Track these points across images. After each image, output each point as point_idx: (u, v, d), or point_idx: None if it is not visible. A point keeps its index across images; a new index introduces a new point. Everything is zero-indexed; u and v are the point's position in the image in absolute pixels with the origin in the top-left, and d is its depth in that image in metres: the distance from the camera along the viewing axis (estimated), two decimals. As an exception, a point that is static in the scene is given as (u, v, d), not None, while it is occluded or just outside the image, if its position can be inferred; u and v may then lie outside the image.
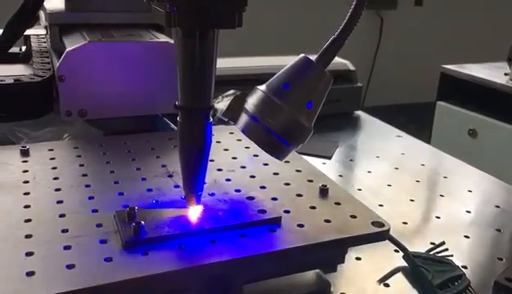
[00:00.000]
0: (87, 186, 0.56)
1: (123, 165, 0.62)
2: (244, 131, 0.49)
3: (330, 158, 0.90)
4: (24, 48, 0.93)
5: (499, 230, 0.68)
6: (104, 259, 0.43)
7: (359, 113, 1.17)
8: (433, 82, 1.89)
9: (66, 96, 0.72)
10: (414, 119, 2.63)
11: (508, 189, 0.82)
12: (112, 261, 0.43)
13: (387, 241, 0.55)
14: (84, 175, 0.59)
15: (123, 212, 0.48)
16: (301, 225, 0.50)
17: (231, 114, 0.90)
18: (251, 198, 0.53)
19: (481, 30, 3.55)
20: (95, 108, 0.73)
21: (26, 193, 0.54)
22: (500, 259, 0.61)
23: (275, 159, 0.50)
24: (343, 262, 0.52)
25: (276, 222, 0.50)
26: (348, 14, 0.47)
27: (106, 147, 0.67)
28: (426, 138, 1.74)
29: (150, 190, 0.56)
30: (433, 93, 1.89)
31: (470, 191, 0.80)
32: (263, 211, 0.51)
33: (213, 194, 0.55)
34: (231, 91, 0.96)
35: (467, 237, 0.66)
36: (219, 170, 0.61)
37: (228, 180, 0.59)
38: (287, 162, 0.63)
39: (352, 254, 0.57)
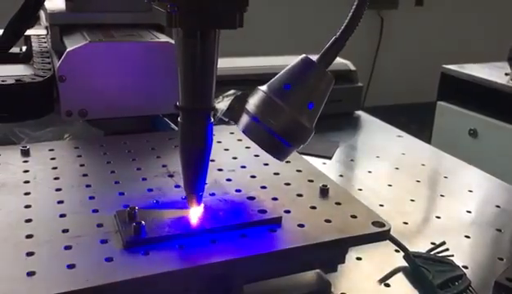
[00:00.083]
0: (88, 186, 0.56)
1: (124, 165, 0.62)
2: (245, 131, 0.49)
3: (330, 158, 0.90)
4: (24, 48, 0.93)
5: (499, 230, 0.68)
6: (104, 259, 0.43)
7: (359, 113, 1.17)
8: (434, 82, 1.89)
9: (67, 96, 0.72)
10: (414, 119, 2.63)
11: (508, 189, 0.82)
12: (113, 261, 0.43)
13: (387, 241, 0.55)
14: (85, 175, 0.59)
15: (124, 212, 0.48)
16: (301, 225, 0.50)
17: (232, 114, 0.90)
18: (251, 198, 0.53)
19: (481, 30, 3.55)
20: (95, 108, 0.73)
21: (27, 193, 0.54)
22: (501, 259, 0.61)
23: (275, 159, 0.50)
24: (343, 262, 0.52)
25: (276, 222, 0.50)
26: (350, 14, 0.47)
27: (107, 147, 0.67)
28: (427, 138, 1.74)
29: (150, 190, 0.56)
30: (433, 93, 1.89)
31: (471, 191, 0.80)
32: (264, 211, 0.51)
33: (213, 194, 0.55)
34: (232, 91, 0.96)
35: (467, 237, 0.66)
36: (220, 170, 0.61)
37: (229, 180, 0.59)
38: (288, 162, 0.63)
39: (352, 254, 0.57)
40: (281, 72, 0.49)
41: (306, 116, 0.48)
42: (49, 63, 0.80)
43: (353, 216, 0.52)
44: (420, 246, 0.60)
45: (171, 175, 0.59)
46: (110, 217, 0.49)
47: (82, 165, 0.62)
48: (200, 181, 0.49)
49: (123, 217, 0.48)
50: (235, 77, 1.05)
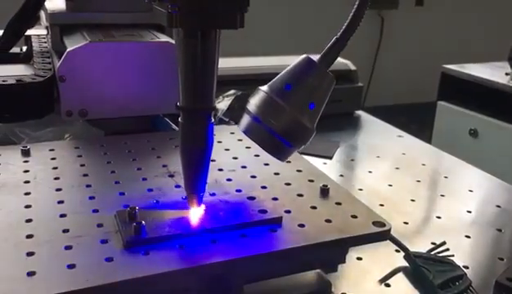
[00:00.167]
0: (88, 186, 0.56)
1: (124, 165, 0.62)
2: (246, 131, 0.48)
3: (330, 157, 0.90)
4: (25, 48, 0.93)
5: (500, 230, 0.68)
6: (105, 259, 0.43)
7: (360, 112, 1.17)
8: (434, 81, 1.89)
9: (67, 96, 0.72)
10: (415, 119, 2.63)
11: (509, 189, 0.82)
12: (113, 261, 0.43)
13: (388, 241, 0.55)
14: (85, 175, 0.59)
15: (124, 212, 0.48)
16: (302, 225, 0.50)
17: (232, 114, 0.90)
18: (252, 198, 0.53)
19: (481, 30, 3.55)
20: (95, 108, 0.73)
21: (27, 193, 0.54)
22: (501, 259, 0.61)
23: (276, 159, 0.50)
24: (344, 262, 0.52)
25: (276, 222, 0.50)
26: (351, 14, 0.47)
27: (107, 147, 0.67)
28: (427, 138, 1.74)
29: (150, 190, 0.56)
30: (433, 93, 1.89)
31: (471, 191, 0.80)
32: (264, 211, 0.51)
33: (213, 194, 0.55)
34: (232, 91, 0.96)
35: (468, 237, 0.66)
36: (220, 170, 0.61)
37: (229, 180, 0.59)
38: (288, 162, 0.62)
39: (352, 254, 0.57)
40: (282, 72, 0.49)
41: (307, 116, 0.47)
42: (49, 63, 0.80)
43: (354, 216, 0.52)
44: (421, 246, 0.60)
45: (171, 176, 0.59)
46: (110, 217, 0.49)
47: (82, 165, 0.62)
48: (201, 181, 0.49)
49: (123, 217, 0.48)
50: (236, 77, 1.05)
